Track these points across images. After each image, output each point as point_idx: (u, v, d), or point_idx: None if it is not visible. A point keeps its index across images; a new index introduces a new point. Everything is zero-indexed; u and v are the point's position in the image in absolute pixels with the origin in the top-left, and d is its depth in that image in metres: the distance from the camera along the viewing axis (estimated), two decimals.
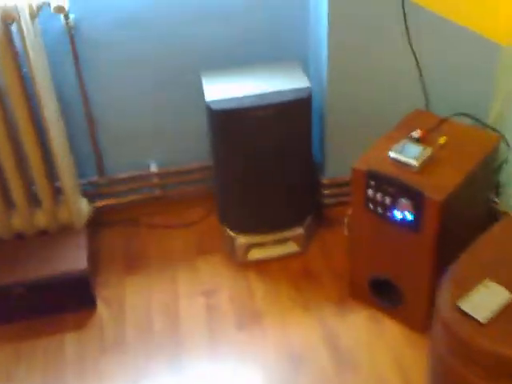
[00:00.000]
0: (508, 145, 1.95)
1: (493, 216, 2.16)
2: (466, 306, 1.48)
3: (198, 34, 2.21)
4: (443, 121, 1.99)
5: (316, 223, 2.40)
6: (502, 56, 2.10)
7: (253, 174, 2.12)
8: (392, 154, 1.86)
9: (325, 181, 2.39)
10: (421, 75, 2.16)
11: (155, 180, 2.46)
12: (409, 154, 1.84)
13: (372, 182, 1.84)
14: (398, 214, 1.83)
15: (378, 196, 1.85)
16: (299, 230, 2.28)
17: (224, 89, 2.04)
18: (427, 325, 1.99)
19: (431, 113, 2.14)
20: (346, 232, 2.34)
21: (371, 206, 1.89)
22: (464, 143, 1.92)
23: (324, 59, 2.13)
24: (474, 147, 1.90)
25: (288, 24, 2.25)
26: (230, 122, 2.01)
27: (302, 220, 2.29)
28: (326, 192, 2.41)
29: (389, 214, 1.85)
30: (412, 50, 2.10)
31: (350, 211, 2.39)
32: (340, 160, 2.33)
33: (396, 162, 1.85)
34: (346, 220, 2.38)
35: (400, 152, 1.85)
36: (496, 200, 2.14)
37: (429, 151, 1.85)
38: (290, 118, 2.03)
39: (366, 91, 2.21)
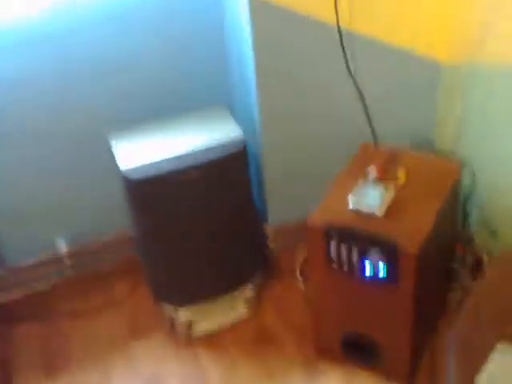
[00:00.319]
0: (473, 172, 1.76)
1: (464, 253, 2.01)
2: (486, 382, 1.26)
3: (100, 91, 1.87)
4: (396, 152, 1.78)
5: (265, 277, 2.12)
6: (443, 76, 1.92)
7: (186, 241, 1.81)
8: (352, 204, 1.61)
9: (269, 228, 2.11)
10: (364, 103, 1.92)
11: (67, 260, 2.08)
12: (370, 200, 1.61)
13: (333, 239, 1.59)
14: (368, 271, 1.60)
15: (343, 253, 1.60)
16: (248, 291, 2.00)
17: (140, 153, 1.71)
18: (410, 379, 1.80)
19: (381, 145, 1.93)
20: (301, 286, 2.11)
21: (335, 265, 1.64)
22: (424, 176, 1.71)
23: (253, 99, 1.84)
24: (436, 179, 1.70)
25: (205, 67, 1.94)
26: (151, 192, 1.68)
27: (249, 279, 2.00)
28: (271, 240, 2.14)
29: (357, 271, 1.61)
30: (352, 76, 1.86)
31: (300, 258, 2.17)
32: (284, 205, 2.07)
33: (357, 211, 1.61)
34: (297, 270, 2.15)
35: (359, 199, 1.61)
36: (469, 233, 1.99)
37: (391, 192, 1.62)
38: (224, 175, 1.73)
39: (305, 128, 1.95)
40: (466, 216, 1.96)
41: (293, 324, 2.01)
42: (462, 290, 2.01)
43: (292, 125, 1.92)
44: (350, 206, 1.61)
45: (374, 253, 1.56)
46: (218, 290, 1.96)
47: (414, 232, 1.55)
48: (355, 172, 1.73)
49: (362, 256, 1.57)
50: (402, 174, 1.69)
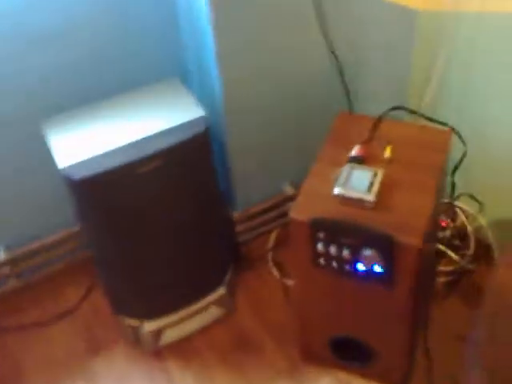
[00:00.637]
0: (462, 140, 1.55)
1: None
2: None
3: (33, 67, 1.55)
4: (377, 123, 1.54)
5: (237, 270, 1.88)
6: (420, 26, 1.68)
7: (147, 244, 1.55)
8: (337, 191, 1.38)
9: (236, 215, 1.87)
10: (337, 61, 1.68)
11: (6, 269, 1.79)
12: (358, 185, 1.37)
13: (321, 234, 1.36)
14: (361, 267, 1.38)
15: (332, 249, 1.37)
16: (220, 290, 1.76)
17: (83, 144, 1.42)
18: (406, 379, 1.62)
19: (359, 114, 1.69)
20: (275, 273, 1.89)
21: (322, 261, 1.41)
22: (412, 148, 1.48)
23: (213, 67, 1.57)
24: (425, 151, 1.47)
25: (151, 34, 1.65)
26: (100, 192, 1.40)
27: (221, 277, 1.77)
28: (239, 229, 1.90)
29: (348, 268, 1.39)
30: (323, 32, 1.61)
31: (271, 242, 1.94)
32: (254, 186, 1.82)
33: (343, 198, 1.38)
34: (269, 256, 1.92)
35: (346, 185, 1.38)
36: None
37: (379, 174, 1.40)
38: (185, 162, 1.46)
39: (273, 98, 1.69)
40: (453, 188, 1.76)
41: (272, 323, 1.79)
42: (451, 273, 1.83)
43: (260, 95, 1.65)
44: (336, 192, 1.38)
45: (368, 247, 1.33)
46: (187, 298, 1.72)
47: (412, 219, 1.33)
48: (335, 150, 1.49)
49: (355, 251, 1.35)
50: (388, 151, 1.47)
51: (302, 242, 1.40)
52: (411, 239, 1.29)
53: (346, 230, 1.34)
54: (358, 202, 1.36)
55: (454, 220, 1.90)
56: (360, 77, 1.77)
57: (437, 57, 1.68)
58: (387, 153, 1.47)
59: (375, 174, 1.39)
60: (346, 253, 1.36)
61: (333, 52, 1.67)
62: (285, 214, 1.73)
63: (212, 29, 1.47)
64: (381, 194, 1.36)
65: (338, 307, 1.50)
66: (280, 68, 1.65)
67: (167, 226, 1.54)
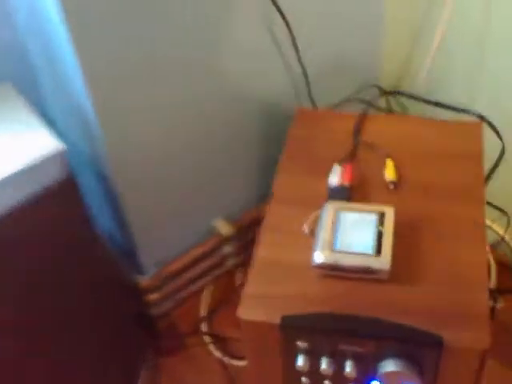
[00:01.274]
0: (497, 133, 0.95)
1: None
2: None
3: None
4: (361, 119, 0.93)
5: (158, 358, 1.24)
6: None
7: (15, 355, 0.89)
8: (320, 258, 0.76)
9: (144, 282, 1.21)
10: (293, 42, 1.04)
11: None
12: (354, 242, 0.77)
13: (302, 343, 0.75)
14: None
15: (324, 364, 0.76)
16: None
17: None
18: None
19: (326, 109, 1.06)
20: (215, 352, 1.26)
21: (306, 381, 0.80)
22: (430, 161, 0.89)
23: (80, 83, 0.89)
24: (452, 164, 0.88)
25: None
26: None
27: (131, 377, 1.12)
28: (153, 298, 1.24)
29: None
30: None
31: (203, 309, 1.31)
32: (163, 237, 1.17)
33: (334, 270, 0.76)
34: (203, 328, 1.29)
35: (334, 245, 0.77)
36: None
37: (389, 215, 0.79)
38: (36, 229, 0.81)
39: (180, 97, 1.03)
40: None
41: None
42: None
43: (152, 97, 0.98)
44: (317, 261, 0.76)
45: (390, 357, 0.73)
46: None
47: (464, 297, 0.74)
48: (300, 175, 0.87)
49: (364, 365, 0.75)
50: (389, 167, 0.87)
51: (265, 355, 0.79)
52: (473, 336, 0.70)
53: (348, 331, 0.73)
54: (361, 274, 0.76)
55: None
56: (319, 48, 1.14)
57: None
58: (389, 172, 0.87)
59: (381, 216, 0.79)
60: (349, 369, 0.75)
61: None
62: (219, 264, 1.14)
63: None
64: (398, 253, 0.76)
65: None
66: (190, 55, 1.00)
67: (39, 326, 0.88)
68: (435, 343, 0.70)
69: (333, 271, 0.76)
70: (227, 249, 1.24)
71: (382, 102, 1.09)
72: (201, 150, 1.08)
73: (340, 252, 0.76)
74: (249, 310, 0.75)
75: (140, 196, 1.05)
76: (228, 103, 1.06)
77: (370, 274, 0.75)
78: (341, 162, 0.88)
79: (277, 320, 0.73)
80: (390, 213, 0.79)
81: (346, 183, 0.84)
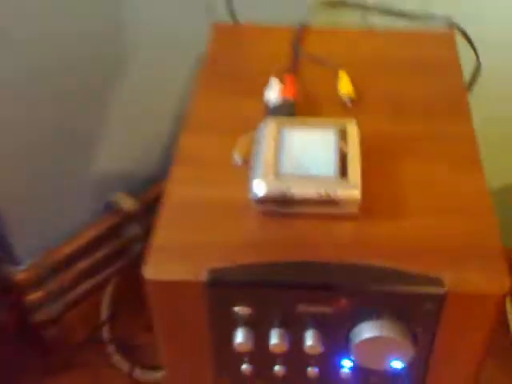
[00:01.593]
0: (472, 47, 0.75)
1: None
2: None
3: None
4: (302, 31, 0.72)
5: (49, 376, 0.96)
6: None
7: None
8: (263, 188, 0.53)
9: (20, 276, 0.92)
10: None
11: None
12: (310, 164, 0.54)
13: (242, 308, 0.51)
14: (347, 364, 0.55)
15: (275, 337, 0.52)
16: None
17: None
18: None
19: (250, 23, 0.83)
20: (121, 364, 0.99)
21: (247, 367, 0.56)
22: (394, 74, 0.68)
23: None
24: (422, 78, 0.68)
25: None
26: None
27: None
28: (32, 298, 0.95)
29: (320, 373, 0.55)
30: None
31: (104, 310, 1.04)
32: (43, 218, 0.90)
33: (282, 205, 0.53)
34: (105, 334, 1.02)
35: (281, 169, 0.54)
36: None
37: (351, 131, 0.57)
38: None
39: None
40: None
41: None
42: None
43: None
44: (259, 194, 0.53)
45: (375, 319, 0.51)
46: None
47: (463, 234, 0.52)
48: (225, 99, 0.65)
49: (338, 335, 0.52)
50: (343, 79, 0.65)
51: (185, 333, 0.54)
52: (485, 276, 0.49)
53: (309, 285, 0.50)
54: (320, 208, 0.53)
55: None
56: None
57: None
58: (344, 86, 0.65)
59: (342, 133, 0.57)
60: (311, 342, 0.52)
61: None
62: (123, 250, 0.90)
63: None
64: (368, 181, 0.54)
65: None
66: None
67: None
68: (434, 289, 0.48)
69: (280, 206, 0.53)
70: (133, 230, 0.98)
71: (321, 18, 0.88)
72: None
73: (289, 178, 0.53)
74: (159, 267, 0.51)
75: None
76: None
77: (334, 207, 0.53)
78: (279, 74, 0.65)
79: (202, 276, 0.49)
80: (352, 128, 0.57)
81: (290, 98, 0.62)
